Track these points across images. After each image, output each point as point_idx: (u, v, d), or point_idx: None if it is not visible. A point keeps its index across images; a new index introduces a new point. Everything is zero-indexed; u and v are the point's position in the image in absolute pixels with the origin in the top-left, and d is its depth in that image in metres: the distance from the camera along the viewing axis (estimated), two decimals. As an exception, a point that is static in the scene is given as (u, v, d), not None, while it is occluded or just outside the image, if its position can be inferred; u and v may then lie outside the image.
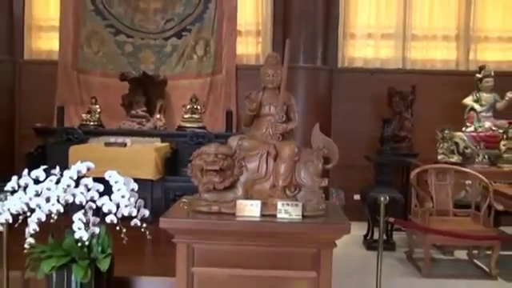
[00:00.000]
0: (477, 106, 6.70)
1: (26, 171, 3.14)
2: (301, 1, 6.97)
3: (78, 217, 3.03)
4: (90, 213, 3.10)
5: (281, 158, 3.04)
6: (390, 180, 6.29)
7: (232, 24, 7.45)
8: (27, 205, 3.06)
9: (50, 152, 6.37)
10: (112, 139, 6.06)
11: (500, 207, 5.34)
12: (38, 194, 3.07)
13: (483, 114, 6.68)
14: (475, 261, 5.61)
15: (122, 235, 3.05)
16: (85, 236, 3.02)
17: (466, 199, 5.79)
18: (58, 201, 3.03)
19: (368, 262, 4.98)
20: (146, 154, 5.79)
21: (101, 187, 3.14)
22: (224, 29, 7.45)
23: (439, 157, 6.37)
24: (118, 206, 3.09)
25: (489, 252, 5.32)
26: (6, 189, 3.16)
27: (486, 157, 6.34)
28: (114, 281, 3.29)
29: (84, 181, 3.12)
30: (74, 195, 3.06)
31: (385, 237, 5.45)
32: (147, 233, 3.10)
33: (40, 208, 3.03)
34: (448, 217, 5.50)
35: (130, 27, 7.50)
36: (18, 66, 7.69)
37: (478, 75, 6.77)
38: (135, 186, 3.23)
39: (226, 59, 7.48)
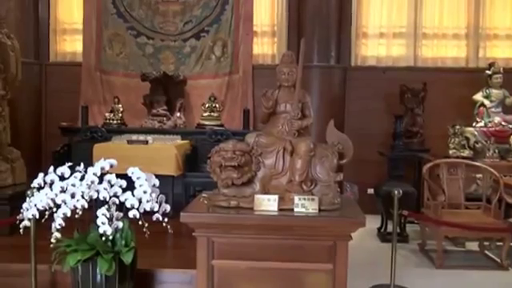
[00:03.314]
0: (486, 102, 6.74)
1: (51, 168, 3.21)
2: (314, 2, 7.03)
3: (101, 212, 3.13)
4: (113, 208, 3.19)
5: (297, 153, 3.11)
6: (403, 174, 6.33)
7: (248, 25, 7.50)
8: (53, 200, 3.14)
9: (75, 150, 6.38)
10: (134, 137, 6.07)
11: (510, 200, 5.37)
12: (63, 190, 3.15)
13: (493, 109, 6.72)
14: (486, 252, 5.63)
15: (145, 229, 3.15)
16: (109, 230, 3.11)
17: (477, 192, 5.83)
18: (83, 196, 3.13)
19: (382, 253, 5.02)
20: (167, 151, 5.78)
21: (124, 183, 3.22)
22: (240, 30, 7.50)
23: (450, 151, 6.40)
24: (140, 201, 3.18)
25: (500, 243, 5.40)
26: (32, 185, 3.24)
27: (496, 151, 6.35)
28: (137, 273, 3.39)
29: (107, 177, 3.21)
30: (97, 191, 3.16)
31: (398, 229, 5.47)
32: (168, 227, 3.19)
33: (65, 203, 3.12)
34: (459, 209, 5.52)
35: (150, 29, 7.57)
36: (44, 68, 7.79)
37: (488, 72, 6.81)
38: (157, 182, 3.31)
39: (243, 59, 7.52)
